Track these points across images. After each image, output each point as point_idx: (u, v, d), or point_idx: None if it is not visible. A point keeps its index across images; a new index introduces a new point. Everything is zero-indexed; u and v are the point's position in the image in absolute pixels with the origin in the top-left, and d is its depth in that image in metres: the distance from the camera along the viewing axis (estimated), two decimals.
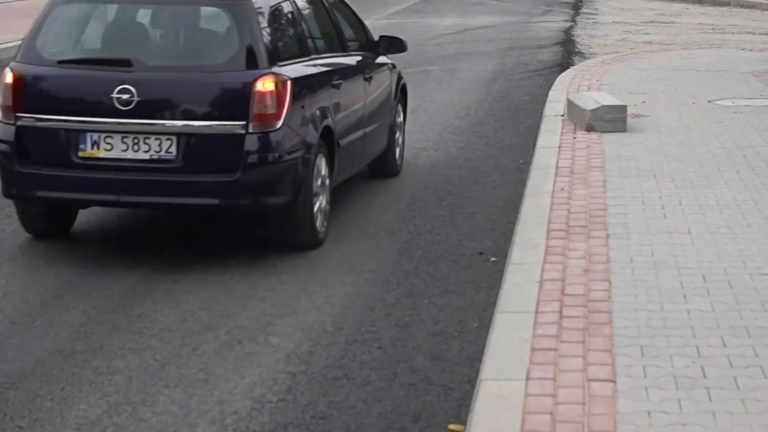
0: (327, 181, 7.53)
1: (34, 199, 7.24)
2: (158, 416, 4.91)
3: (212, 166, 6.89)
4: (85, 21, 7.50)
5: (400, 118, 9.76)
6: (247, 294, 6.52)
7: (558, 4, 29.59)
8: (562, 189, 8.00)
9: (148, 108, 6.90)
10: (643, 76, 14.07)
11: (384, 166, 9.40)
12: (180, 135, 6.86)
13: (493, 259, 7.17)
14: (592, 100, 10.55)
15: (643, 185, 8.10)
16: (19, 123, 7.01)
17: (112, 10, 7.55)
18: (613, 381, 4.59)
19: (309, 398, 5.09)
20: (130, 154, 6.91)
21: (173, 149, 6.87)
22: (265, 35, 7.11)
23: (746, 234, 6.80)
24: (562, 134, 10.13)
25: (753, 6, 28.47)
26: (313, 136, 7.28)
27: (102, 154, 6.94)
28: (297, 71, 7.33)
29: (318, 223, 7.35)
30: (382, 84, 9.23)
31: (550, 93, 12.75)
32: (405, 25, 23.31)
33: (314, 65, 7.78)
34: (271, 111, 6.90)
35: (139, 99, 6.84)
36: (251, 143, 6.85)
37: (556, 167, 8.74)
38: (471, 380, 5.18)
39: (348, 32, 8.95)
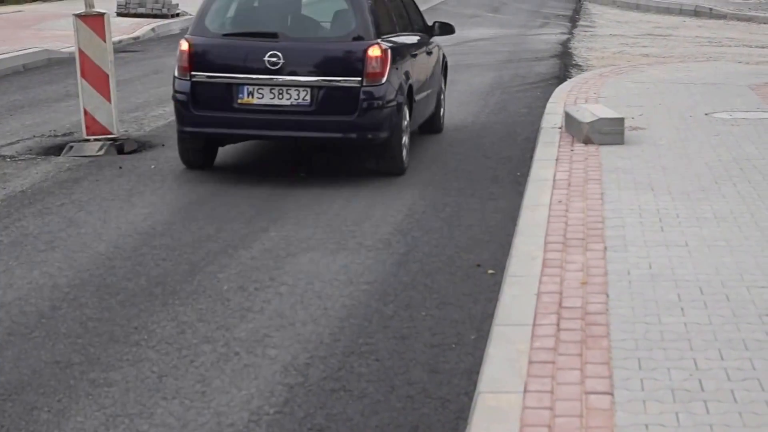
0: (408, 127, 10.15)
1: (204, 135, 9.88)
2: (155, 428, 4.91)
3: (336, 110, 9.47)
4: (241, 4, 10.24)
5: (444, 87, 12.50)
6: (244, 306, 6.52)
7: (555, 16, 29.67)
8: (560, 201, 8.01)
9: (290, 68, 9.50)
10: (640, 89, 14.10)
11: (431, 125, 11.92)
12: (313, 87, 9.48)
13: (490, 271, 7.17)
14: (589, 112, 10.56)
15: (640, 198, 8.11)
16: (193, 79, 9.66)
17: None
18: (611, 394, 4.59)
19: (306, 410, 5.09)
20: (276, 101, 9.48)
21: (308, 98, 9.47)
22: (371, 17, 9.77)
23: (743, 247, 6.81)
24: (559, 146, 10.15)
25: (750, 19, 28.55)
26: (403, 90, 9.85)
27: (255, 101, 9.53)
28: (391, 43, 9.95)
29: (404, 155, 9.93)
30: (435, 58, 11.89)
31: (548, 105, 12.77)
32: None
33: (400, 40, 10.43)
34: (378, 70, 9.50)
35: (283, 61, 9.44)
36: (364, 94, 9.41)
37: (554, 179, 8.76)
38: (468, 393, 5.18)
39: (413, 17, 11.61)
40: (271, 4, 10.36)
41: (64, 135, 11.78)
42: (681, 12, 30.32)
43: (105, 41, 11.04)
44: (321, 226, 8.29)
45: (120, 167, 10.30)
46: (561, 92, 13.84)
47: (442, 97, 12.18)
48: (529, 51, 20.89)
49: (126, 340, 5.98)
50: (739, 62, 18.34)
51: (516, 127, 12.55)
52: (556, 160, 9.55)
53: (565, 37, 23.75)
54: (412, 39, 11.02)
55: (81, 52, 11.05)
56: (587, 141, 10.20)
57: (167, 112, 13.26)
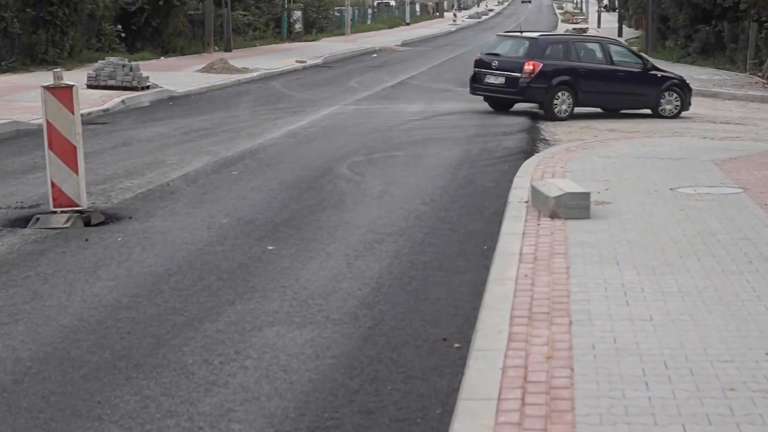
0: (571, 103, 22.66)
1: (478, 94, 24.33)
2: None
3: (513, 87, 22.60)
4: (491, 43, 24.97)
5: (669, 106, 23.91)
6: (209, 380, 6.48)
7: None
8: (526, 275, 8.05)
9: (499, 68, 22.79)
10: (606, 164, 14.25)
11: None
12: (505, 77, 22.53)
13: (456, 345, 7.17)
14: (555, 187, 10.65)
15: (605, 272, 8.16)
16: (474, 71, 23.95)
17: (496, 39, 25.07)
18: None
19: None
20: (494, 81, 22.97)
21: (503, 80, 22.65)
22: (538, 51, 22.70)
23: (707, 321, 6.86)
24: (526, 221, 10.21)
25: (714, 95, 28.98)
26: (549, 80, 22.48)
27: (488, 80, 23.14)
28: (550, 60, 22.69)
29: (556, 109, 22.52)
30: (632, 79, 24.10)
31: (515, 179, 12.87)
32: (372, 110, 23.54)
33: (568, 62, 22.92)
34: (528, 71, 22.37)
35: (498, 65, 22.87)
36: (522, 79, 22.42)
37: (520, 254, 8.80)
38: None
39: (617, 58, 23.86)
40: (496, 41, 24.83)
41: (31, 207, 11.75)
42: None
43: (73, 113, 11.06)
44: (287, 299, 8.28)
45: (86, 239, 10.26)
46: (528, 167, 13.97)
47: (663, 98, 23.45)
48: (497, 125, 21.09)
49: (88, 414, 5.92)
50: (704, 138, 18.59)
51: (483, 200, 12.63)
52: (523, 234, 9.60)
53: (532, 112, 24.01)
54: (589, 64, 23.09)
55: (49, 123, 11.06)
56: (554, 215, 10.27)
57: (135, 185, 13.28)
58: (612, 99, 23.37)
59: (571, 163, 14.29)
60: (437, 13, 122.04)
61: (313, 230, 10.80)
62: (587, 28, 79.17)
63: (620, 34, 65.51)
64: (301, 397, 6.22)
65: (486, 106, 24.14)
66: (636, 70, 23.48)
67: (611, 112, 23.58)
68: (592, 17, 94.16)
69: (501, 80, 22.93)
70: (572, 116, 22.55)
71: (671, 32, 46.50)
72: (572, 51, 23.08)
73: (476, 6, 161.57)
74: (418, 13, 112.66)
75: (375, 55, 49.80)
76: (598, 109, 23.56)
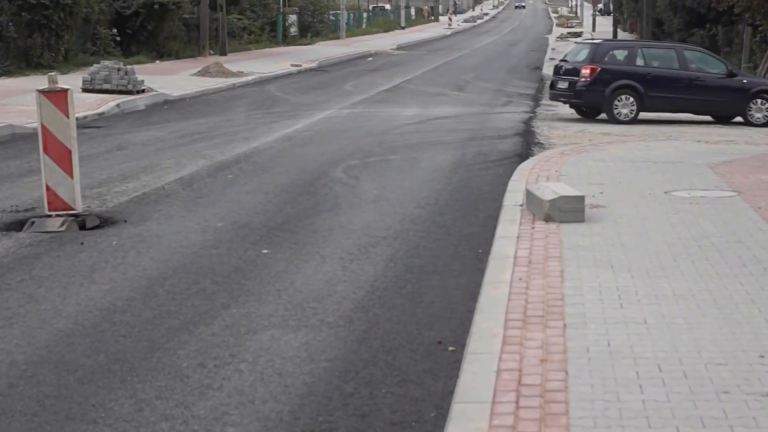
0: (634, 107, 22.97)
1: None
2: None
3: (572, 91, 23.19)
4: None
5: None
6: (203, 383, 6.48)
7: (518, 95, 30.03)
8: (521, 279, 8.06)
9: (565, 73, 23.79)
10: (601, 167, 14.27)
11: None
12: (568, 81, 23.15)
13: (451, 348, 7.17)
14: (550, 190, 10.66)
15: (600, 275, 8.18)
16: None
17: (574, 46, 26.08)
18: None
19: None
20: (561, 86, 23.70)
21: (567, 85, 23.25)
22: (598, 56, 23.29)
23: (701, 324, 6.87)
24: (520, 224, 10.23)
25: None
26: (608, 85, 22.94)
27: (558, 85, 23.90)
28: (609, 65, 23.18)
29: (616, 112, 22.87)
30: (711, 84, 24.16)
31: (510, 183, 12.89)
32: (368, 114, 23.55)
33: (630, 67, 23.34)
34: (586, 75, 22.78)
35: (564, 70, 23.84)
36: (579, 83, 22.89)
37: (515, 257, 8.82)
38: None
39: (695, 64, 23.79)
40: (570, 51, 25.64)
41: (26, 210, 11.74)
42: None
43: (68, 117, 11.06)
44: (282, 302, 8.29)
45: (81, 243, 10.26)
46: (523, 170, 13.99)
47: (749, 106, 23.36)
48: (492, 129, 21.11)
49: (83, 417, 5.92)
50: (698, 141, 18.62)
51: (478, 204, 12.64)
52: (518, 237, 9.62)
53: (527, 115, 24.05)
54: (657, 69, 23.30)
55: (44, 127, 11.06)
56: (548, 219, 10.29)
57: (130, 188, 13.28)
58: (686, 104, 23.32)
59: (566, 166, 14.31)
60: (432, 17, 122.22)
61: (308, 234, 10.81)
62: (582, 32, 79.30)
63: (615, 38, 65.57)
64: (295, 401, 6.22)
65: (481, 109, 24.17)
66: (717, 75, 23.36)
67: (694, 117, 23.67)
68: (587, 21, 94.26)
69: (565, 85, 23.48)
70: (636, 120, 22.67)
71: (666, 36, 46.58)
72: (637, 56, 23.32)
73: (471, 10, 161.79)
74: (414, 17, 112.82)
75: (370, 58, 49.85)
76: (683, 115, 23.53)
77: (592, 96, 22.92)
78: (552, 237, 9.61)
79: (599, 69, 22.85)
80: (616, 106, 22.79)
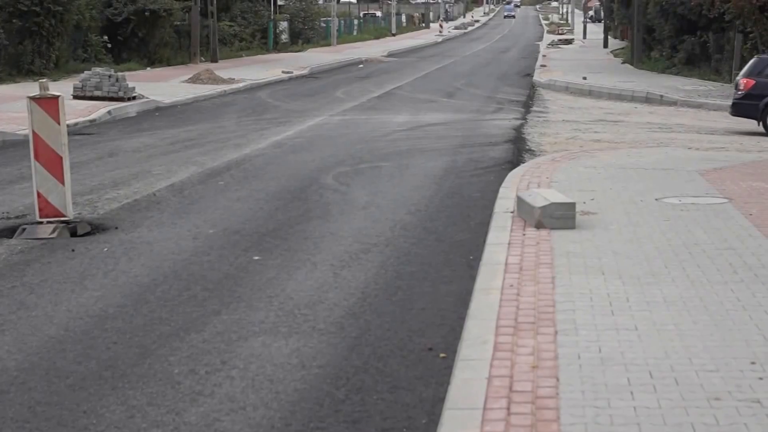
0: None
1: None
2: None
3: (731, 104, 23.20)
4: None
5: None
6: (195, 390, 6.48)
7: (509, 102, 30.06)
8: (512, 285, 8.07)
9: (736, 86, 22.91)
10: (592, 174, 14.29)
11: None
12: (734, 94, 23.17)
13: (442, 355, 7.18)
14: (541, 197, 10.68)
15: (591, 282, 8.19)
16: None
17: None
18: None
19: None
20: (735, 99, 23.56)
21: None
22: (756, 69, 22.76)
23: (692, 331, 6.88)
24: (511, 231, 10.24)
25: (699, 106, 29.07)
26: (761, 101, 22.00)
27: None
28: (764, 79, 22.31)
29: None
30: None
31: (501, 190, 12.90)
32: (359, 121, 23.56)
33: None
34: (741, 88, 22.40)
35: (736, 83, 22.78)
36: (735, 96, 22.75)
37: (506, 264, 8.82)
38: None
39: None
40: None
41: (17, 217, 11.73)
42: (633, 98, 30.87)
43: (59, 123, 11.06)
44: (273, 309, 8.29)
45: (73, 250, 10.25)
46: (514, 177, 14.00)
47: None
48: (483, 136, 21.13)
49: (74, 424, 5.92)
50: (689, 148, 18.65)
51: (469, 211, 12.65)
52: (509, 244, 9.63)
53: (518, 122, 24.06)
54: None
55: (35, 134, 11.06)
56: (539, 225, 10.30)
57: (121, 195, 13.27)
58: None
59: (557, 173, 14.33)
60: (423, 24, 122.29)
61: (299, 240, 10.81)
62: (573, 39, 79.42)
63: (606, 45, 65.77)
64: (287, 407, 6.22)
65: (472, 116, 24.15)
66: None
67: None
68: (578, 28, 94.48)
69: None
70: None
71: (657, 43, 46.67)
72: None
73: (462, 17, 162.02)
74: (404, 24, 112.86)
75: (361, 65, 49.87)
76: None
77: (745, 108, 22.90)
78: (543, 244, 9.62)
79: (754, 83, 22.75)
80: None
